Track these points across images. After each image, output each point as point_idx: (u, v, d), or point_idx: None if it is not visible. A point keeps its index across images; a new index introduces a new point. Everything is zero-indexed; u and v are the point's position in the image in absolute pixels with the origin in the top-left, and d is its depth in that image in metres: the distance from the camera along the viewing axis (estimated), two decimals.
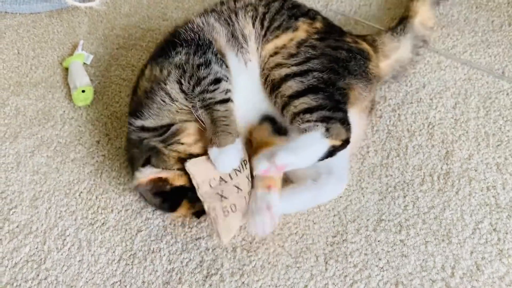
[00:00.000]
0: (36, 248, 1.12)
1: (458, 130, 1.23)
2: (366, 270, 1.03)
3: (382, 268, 1.03)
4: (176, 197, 1.07)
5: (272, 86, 1.13)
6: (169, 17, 1.64)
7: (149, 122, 1.10)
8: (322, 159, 1.03)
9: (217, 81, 1.09)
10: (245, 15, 1.21)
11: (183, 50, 1.14)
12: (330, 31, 1.23)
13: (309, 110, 1.06)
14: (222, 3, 1.27)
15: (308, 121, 1.05)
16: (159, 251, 1.09)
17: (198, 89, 1.08)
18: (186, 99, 1.09)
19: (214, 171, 1.02)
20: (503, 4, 1.53)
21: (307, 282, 1.03)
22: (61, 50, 1.57)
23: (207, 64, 1.11)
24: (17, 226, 1.16)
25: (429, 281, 1.01)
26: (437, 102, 1.30)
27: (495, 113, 1.26)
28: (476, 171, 1.16)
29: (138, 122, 1.10)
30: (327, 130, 1.03)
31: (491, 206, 1.10)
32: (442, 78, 1.35)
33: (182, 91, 1.09)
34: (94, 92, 1.41)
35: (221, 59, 1.14)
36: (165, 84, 1.10)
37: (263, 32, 1.19)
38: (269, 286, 1.03)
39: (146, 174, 1.04)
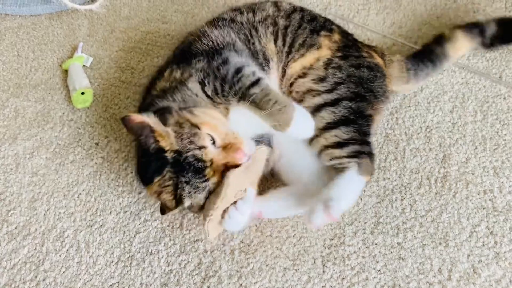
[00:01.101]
0: (35, 250, 1.12)
1: (456, 134, 1.24)
2: (363, 273, 1.03)
3: (379, 271, 1.04)
4: (154, 168, 0.99)
5: None
6: (168, 20, 1.64)
7: (175, 105, 1.05)
8: None
9: (239, 70, 1.05)
10: (265, 32, 1.19)
11: (203, 58, 1.11)
12: (348, 44, 1.23)
13: (340, 145, 1.07)
14: (241, 12, 1.24)
15: (338, 157, 1.06)
16: (157, 253, 1.10)
17: (226, 88, 1.04)
18: (211, 100, 1.07)
19: (246, 182, 1.01)
20: (500, 9, 1.54)
21: (305, 285, 1.03)
22: (60, 52, 1.57)
23: (225, 61, 1.08)
24: (16, 228, 1.16)
25: (426, 284, 1.01)
26: (435, 105, 1.30)
27: (492, 117, 1.27)
28: (473, 174, 1.17)
29: (165, 103, 1.06)
30: (359, 166, 1.04)
31: (488, 209, 1.11)
32: (439, 82, 1.36)
33: (204, 92, 1.07)
34: (93, 94, 1.42)
35: (240, 52, 1.12)
36: (186, 83, 1.07)
37: (286, 49, 1.18)
38: None
39: (145, 116, 0.98)
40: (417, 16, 1.55)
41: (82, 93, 1.39)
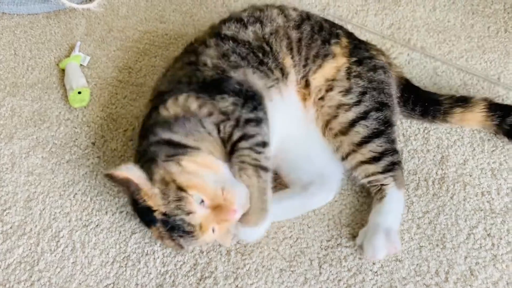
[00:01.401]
0: (30, 250, 1.11)
1: (454, 135, 1.24)
2: (360, 275, 1.03)
3: (376, 272, 1.03)
4: (147, 220, 1.00)
5: (340, 130, 1.12)
6: (166, 19, 1.64)
7: (177, 137, 1.01)
8: None
9: (265, 144, 1.03)
10: (280, 45, 1.16)
11: (229, 98, 1.05)
12: (356, 45, 1.22)
13: (374, 160, 1.09)
14: (244, 25, 1.18)
15: (373, 173, 1.09)
16: (153, 253, 1.09)
17: (243, 143, 1.01)
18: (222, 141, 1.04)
19: None
20: (499, 11, 1.54)
21: (301, 286, 1.02)
22: (58, 51, 1.56)
23: (258, 121, 1.04)
24: (11, 227, 1.15)
25: (423, 285, 1.01)
26: None
27: None
28: (471, 176, 1.16)
29: (166, 135, 1.02)
30: (396, 181, 1.07)
31: (485, 211, 1.10)
32: (438, 83, 1.35)
33: (219, 133, 1.03)
34: (90, 93, 1.41)
35: (268, 120, 1.07)
36: (202, 122, 1.02)
37: (303, 62, 1.16)
38: None
39: (129, 171, 0.95)
40: (416, 18, 1.55)
41: (79, 93, 1.38)
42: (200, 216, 0.94)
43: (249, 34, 1.16)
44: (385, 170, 1.08)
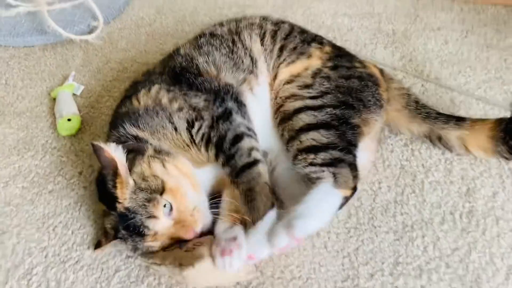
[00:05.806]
0: None
1: (479, 167, 1.11)
2: None
3: None
4: (105, 201, 0.94)
5: (283, 117, 1.05)
6: (167, 52, 1.55)
7: (143, 135, 1.00)
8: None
9: (238, 138, 0.98)
10: (250, 34, 1.16)
11: (202, 95, 1.05)
12: (340, 55, 1.17)
13: (314, 149, 0.97)
14: (221, 24, 1.22)
15: (312, 163, 0.96)
16: None
17: (222, 151, 0.98)
18: (192, 141, 1.01)
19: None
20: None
21: None
22: (51, 81, 1.48)
23: (228, 115, 1.01)
24: None
25: None
26: None
27: None
28: (503, 209, 1.03)
29: (132, 130, 1.00)
30: (335, 178, 0.93)
31: None
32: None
33: (189, 132, 1.00)
34: (81, 122, 1.31)
35: (242, 104, 1.05)
36: (172, 117, 1.01)
37: (277, 51, 1.14)
38: None
39: (117, 152, 0.90)
40: (428, 51, 1.48)
41: (69, 120, 1.28)
42: (161, 224, 0.88)
43: (224, 30, 1.19)
44: (325, 164, 0.95)
